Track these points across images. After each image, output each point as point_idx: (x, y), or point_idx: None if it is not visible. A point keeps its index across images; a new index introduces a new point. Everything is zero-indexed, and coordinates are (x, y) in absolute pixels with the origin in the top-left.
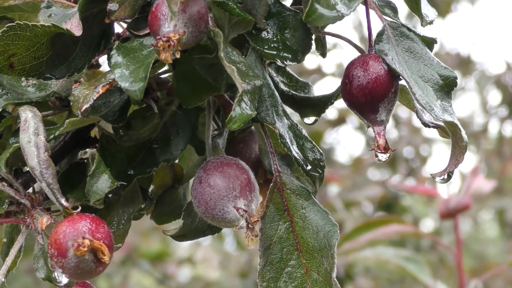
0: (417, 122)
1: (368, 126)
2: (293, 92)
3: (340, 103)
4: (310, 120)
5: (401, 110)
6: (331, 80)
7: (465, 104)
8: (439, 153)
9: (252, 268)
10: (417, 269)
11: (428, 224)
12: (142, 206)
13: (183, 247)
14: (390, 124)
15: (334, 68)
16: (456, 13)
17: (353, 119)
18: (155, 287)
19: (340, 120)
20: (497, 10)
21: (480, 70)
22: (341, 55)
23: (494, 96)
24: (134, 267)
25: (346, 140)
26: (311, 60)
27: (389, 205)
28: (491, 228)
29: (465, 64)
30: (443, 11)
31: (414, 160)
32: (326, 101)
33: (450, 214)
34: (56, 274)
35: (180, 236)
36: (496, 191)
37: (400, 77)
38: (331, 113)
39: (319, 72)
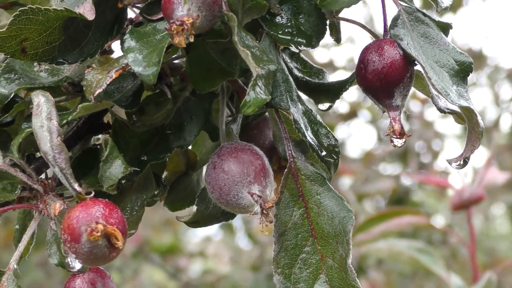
0: (428, 116)
1: (383, 111)
2: (307, 78)
3: (352, 97)
4: (324, 106)
5: (413, 104)
6: (343, 74)
7: (477, 99)
8: (451, 148)
9: (264, 262)
10: (431, 261)
11: (438, 220)
12: (156, 192)
13: (194, 243)
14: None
15: (346, 62)
16: (467, 7)
17: (365, 113)
18: (166, 282)
19: (352, 114)
20: (509, 3)
21: (492, 64)
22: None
23: (506, 91)
24: (146, 261)
25: (358, 134)
26: (323, 53)
27: (400, 200)
28: (502, 224)
29: (476, 58)
30: (454, 6)
31: (425, 155)
32: (340, 87)
33: (463, 205)
34: (69, 259)
35: (194, 222)
36: (507, 185)
37: (416, 62)
38: (342, 107)
39: (330, 66)
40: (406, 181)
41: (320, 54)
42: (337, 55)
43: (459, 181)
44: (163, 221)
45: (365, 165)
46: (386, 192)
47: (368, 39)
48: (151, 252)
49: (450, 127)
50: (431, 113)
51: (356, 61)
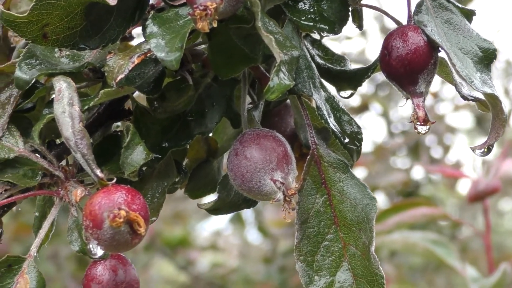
0: (441, 110)
1: (407, 98)
2: (329, 65)
3: (363, 89)
4: (346, 93)
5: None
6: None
7: None
8: (462, 142)
9: (276, 254)
10: (445, 253)
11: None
12: (176, 179)
13: (203, 236)
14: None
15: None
16: (479, 1)
17: (376, 106)
18: (175, 275)
19: (363, 107)
20: None
21: (504, 58)
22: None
23: None
24: (157, 254)
25: (369, 127)
26: (335, 46)
27: (410, 194)
28: (511, 219)
29: None
30: None
31: (436, 149)
32: (362, 74)
33: (479, 197)
34: (91, 246)
35: (215, 209)
36: None
37: (439, 48)
38: (354, 100)
39: None
40: (416, 175)
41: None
42: (348, 48)
43: (474, 172)
44: (173, 215)
45: (377, 158)
46: (397, 186)
47: (378, 32)
48: (162, 246)
49: (461, 121)
50: (442, 107)
51: (367, 54)
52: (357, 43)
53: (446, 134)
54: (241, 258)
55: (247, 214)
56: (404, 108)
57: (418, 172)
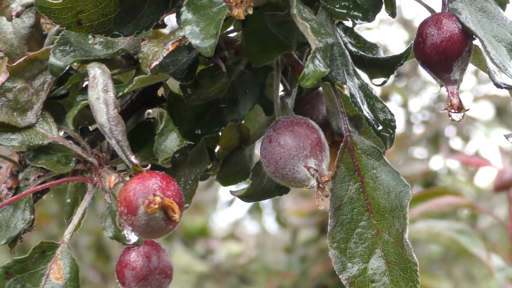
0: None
1: (441, 86)
2: (362, 53)
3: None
4: (378, 81)
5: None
6: None
7: None
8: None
9: (297, 244)
10: (470, 242)
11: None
12: (209, 166)
13: (222, 227)
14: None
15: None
16: None
17: (396, 97)
18: (193, 265)
19: (384, 98)
20: None
21: None
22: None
23: None
24: (176, 243)
25: None
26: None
27: (429, 184)
28: None
29: None
30: None
31: (456, 139)
32: (395, 62)
33: (505, 186)
34: (125, 232)
35: (248, 196)
36: None
37: (474, 36)
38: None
39: None
40: (435, 165)
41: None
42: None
43: (499, 162)
44: (191, 205)
45: (397, 148)
46: (417, 176)
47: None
48: (182, 235)
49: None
50: (462, 98)
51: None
52: (376, 34)
53: (465, 125)
54: (260, 248)
55: (266, 204)
56: (423, 98)
57: (437, 163)
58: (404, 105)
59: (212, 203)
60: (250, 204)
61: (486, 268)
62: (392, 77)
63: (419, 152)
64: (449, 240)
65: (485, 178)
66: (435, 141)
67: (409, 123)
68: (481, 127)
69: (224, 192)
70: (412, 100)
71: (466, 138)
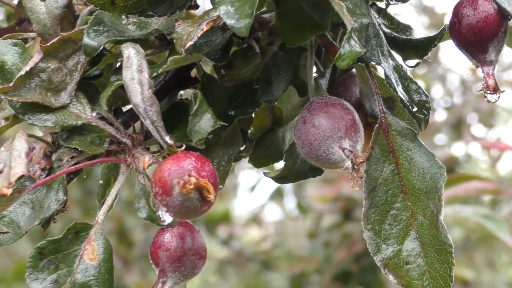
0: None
1: (477, 67)
2: (395, 34)
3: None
4: (412, 62)
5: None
6: None
7: None
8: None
9: (320, 229)
10: (496, 227)
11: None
12: (242, 148)
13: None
14: (457, 88)
15: None
16: None
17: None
18: (216, 251)
19: None
20: None
21: None
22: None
23: None
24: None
25: None
26: None
27: (451, 171)
28: None
29: None
30: None
31: (478, 126)
32: (429, 43)
33: None
34: (160, 213)
35: (281, 178)
36: None
37: (509, 17)
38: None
39: None
40: (458, 152)
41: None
42: None
43: None
44: None
45: (420, 135)
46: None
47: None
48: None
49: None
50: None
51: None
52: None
53: (488, 112)
54: (281, 234)
55: (287, 190)
56: (446, 85)
57: (459, 150)
58: (427, 92)
59: (232, 190)
60: (271, 190)
61: (508, 255)
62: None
63: (441, 138)
64: (475, 225)
65: (506, 165)
66: (458, 127)
67: (431, 110)
68: (503, 113)
69: (245, 179)
70: (435, 87)
71: (488, 125)
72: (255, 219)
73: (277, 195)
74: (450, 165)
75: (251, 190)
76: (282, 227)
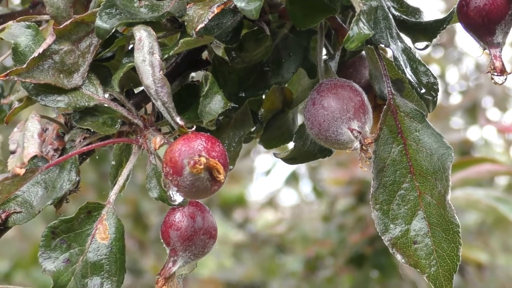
0: None
1: (484, 49)
2: (404, 17)
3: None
4: (421, 45)
5: (483, 58)
6: None
7: None
8: None
9: (335, 212)
10: (509, 209)
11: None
12: (252, 129)
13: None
14: (472, 71)
15: None
16: None
17: (434, 67)
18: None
19: None
20: None
21: None
22: None
23: None
24: (215, 212)
25: None
26: None
27: (466, 154)
28: None
29: None
30: None
31: (493, 110)
32: (438, 25)
33: None
34: (170, 192)
35: (291, 159)
36: None
37: None
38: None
39: None
40: (473, 136)
41: None
42: None
43: None
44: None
45: (435, 118)
46: (455, 145)
47: None
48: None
49: None
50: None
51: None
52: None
53: (503, 95)
54: (297, 217)
55: (302, 174)
56: (461, 69)
57: (474, 133)
58: (442, 76)
59: (248, 174)
60: (287, 174)
61: None
62: (429, 47)
63: (456, 122)
64: (488, 208)
65: None
66: (473, 111)
67: (446, 94)
68: None
69: (261, 163)
70: (450, 71)
71: (503, 109)
72: (271, 203)
73: (293, 179)
74: (465, 149)
75: (267, 174)
76: (297, 211)
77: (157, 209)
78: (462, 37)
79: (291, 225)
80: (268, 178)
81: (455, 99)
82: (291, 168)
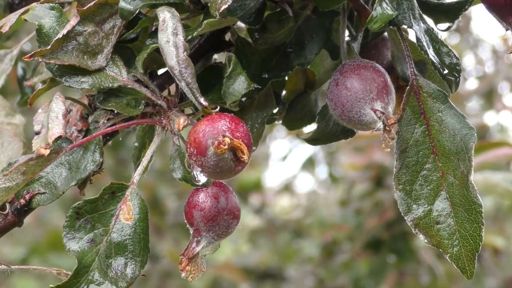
0: None
1: (507, 29)
2: None
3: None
4: (443, 26)
5: (499, 44)
6: None
7: None
8: None
9: (352, 197)
10: None
11: None
12: (275, 110)
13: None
14: (488, 57)
15: None
16: None
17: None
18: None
19: None
20: None
21: None
22: None
23: None
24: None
25: None
26: None
27: (482, 139)
28: None
29: None
30: None
31: (510, 95)
32: (460, 7)
33: None
34: (194, 173)
35: (314, 140)
36: None
37: None
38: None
39: None
40: (489, 121)
41: None
42: None
43: None
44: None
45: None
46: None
47: None
48: (237, 189)
49: None
50: None
51: None
52: None
53: None
54: (313, 202)
55: (319, 159)
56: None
57: (490, 119)
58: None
59: (264, 160)
60: (303, 160)
61: None
62: (445, 34)
63: (473, 107)
64: (505, 191)
65: None
66: (489, 96)
67: (463, 79)
68: None
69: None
70: (466, 57)
71: None
72: (287, 189)
73: (309, 165)
74: (481, 133)
75: (283, 160)
76: (313, 196)
77: (174, 195)
78: (478, 23)
79: (307, 210)
80: (284, 164)
81: (472, 84)
82: (308, 153)
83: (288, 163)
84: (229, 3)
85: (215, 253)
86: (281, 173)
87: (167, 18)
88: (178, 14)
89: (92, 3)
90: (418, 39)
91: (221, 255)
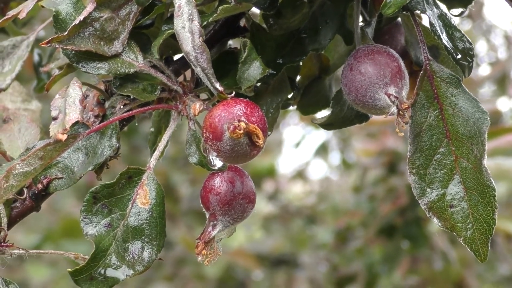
0: None
1: None
2: None
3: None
4: (457, 11)
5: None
6: None
7: None
8: None
9: (365, 183)
10: None
11: None
12: (289, 96)
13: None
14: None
15: None
16: None
17: None
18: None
19: None
20: None
21: None
22: None
23: None
24: None
25: None
26: None
27: (495, 124)
28: None
29: None
30: None
31: None
32: None
33: None
34: (210, 157)
35: (329, 124)
36: None
37: None
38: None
39: None
40: (502, 107)
41: None
42: None
43: None
44: None
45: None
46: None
47: None
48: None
49: None
50: None
51: None
52: None
53: None
54: (326, 189)
55: (332, 146)
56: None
57: (503, 105)
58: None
59: (277, 147)
60: (316, 146)
61: None
62: (457, 20)
63: (485, 93)
64: None
65: None
66: (502, 82)
67: (475, 65)
68: None
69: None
70: (479, 43)
71: None
72: (300, 175)
73: (322, 151)
74: (494, 119)
75: (296, 146)
76: (327, 182)
77: (187, 182)
78: (491, 8)
79: (321, 197)
80: (297, 151)
81: (484, 70)
82: (321, 140)
83: (301, 150)
84: None
85: (228, 240)
86: (294, 160)
87: (183, 4)
88: (193, 0)
89: None
90: (431, 24)
91: (235, 242)
